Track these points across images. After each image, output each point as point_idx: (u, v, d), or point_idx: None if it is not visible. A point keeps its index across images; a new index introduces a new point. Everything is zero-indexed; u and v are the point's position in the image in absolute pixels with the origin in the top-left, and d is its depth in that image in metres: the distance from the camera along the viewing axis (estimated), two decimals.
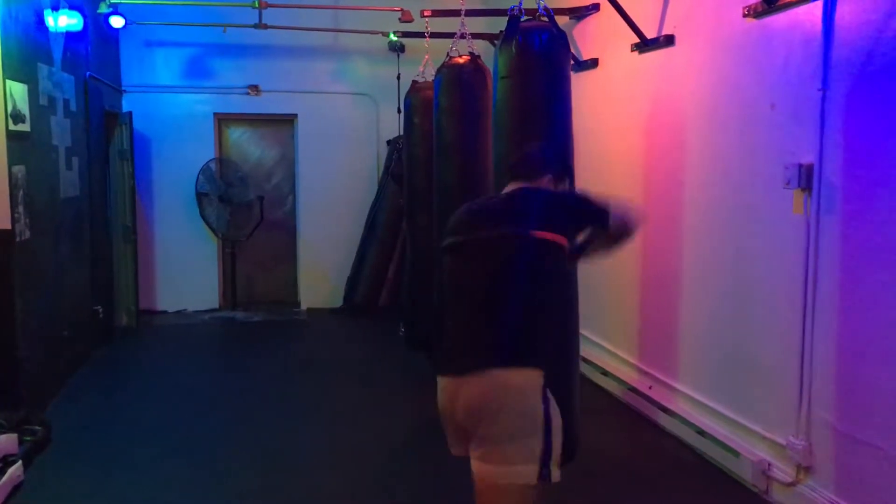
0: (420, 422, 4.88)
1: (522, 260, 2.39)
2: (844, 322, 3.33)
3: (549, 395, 2.31)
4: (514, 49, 3.32)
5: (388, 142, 8.14)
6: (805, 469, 3.56)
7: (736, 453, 3.98)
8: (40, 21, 5.22)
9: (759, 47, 3.89)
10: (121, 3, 6.90)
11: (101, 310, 6.53)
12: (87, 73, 6.36)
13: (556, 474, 2.32)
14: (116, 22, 6.82)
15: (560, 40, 3.41)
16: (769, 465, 3.78)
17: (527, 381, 2.29)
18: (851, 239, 3.28)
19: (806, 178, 3.49)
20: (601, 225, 2.51)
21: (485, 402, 2.28)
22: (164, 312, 8.08)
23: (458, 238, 2.53)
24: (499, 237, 2.43)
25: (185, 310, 8.15)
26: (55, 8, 5.48)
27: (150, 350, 6.79)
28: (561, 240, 2.41)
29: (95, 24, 6.68)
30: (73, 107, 5.88)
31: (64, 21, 5.62)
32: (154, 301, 8.03)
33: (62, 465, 4.17)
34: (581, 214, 2.53)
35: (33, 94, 4.93)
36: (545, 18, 3.43)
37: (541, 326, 2.39)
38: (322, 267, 8.41)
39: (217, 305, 8.28)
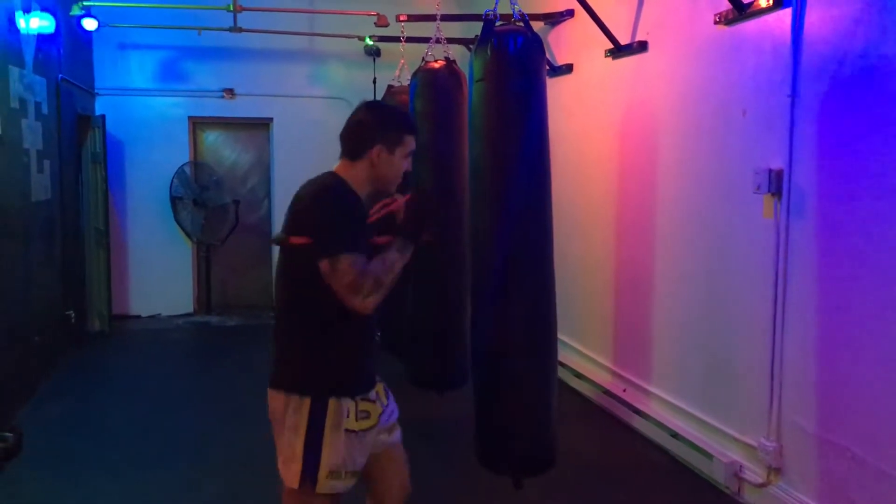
0: None
1: (282, 270, 2.32)
2: (814, 325, 3.38)
3: (326, 413, 2.25)
4: (489, 52, 3.33)
5: None
6: (776, 470, 3.61)
7: (709, 455, 4.01)
8: (11, 23, 5.16)
9: (730, 54, 3.94)
10: (94, 6, 6.85)
11: (73, 314, 6.46)
12: (60, 75, 6.29)
13: (327, 485, 2.27)
14: (89, 24, 6.75)
15: (535, 44, 3.43)
16: (741, 466, 3.83)
17: (285, 405, 2.30)
18: (820, 243, 3.33)
19: (776, 184, 3.54)
20: (316, 242, 2.19)
21: (270, 414, 2.37)
22: (138, 317, 8.00)
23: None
24: (278, 243, 2.31)
25: (158, 314, 8.08)
26: (27, 10, 5.43)
27: (122, 355, 6.73)
28: (308, 243, 2.19)
29: (68, 26, 6.62)
30: (44, 110, 5.82)
31: (35, 23, 5.56)
32: (127, 306, 7.95)
33: (33, 472, 4.11)
34: (304, 216, 2.26)
35: (4, 97, 4.87)
36: (520, 23, 3.45)
37: (311, 351, 2.29)
38: None
39: (191, 310, 8.22)
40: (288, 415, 2.29)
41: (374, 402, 2.39)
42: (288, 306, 2.34)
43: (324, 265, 2.15)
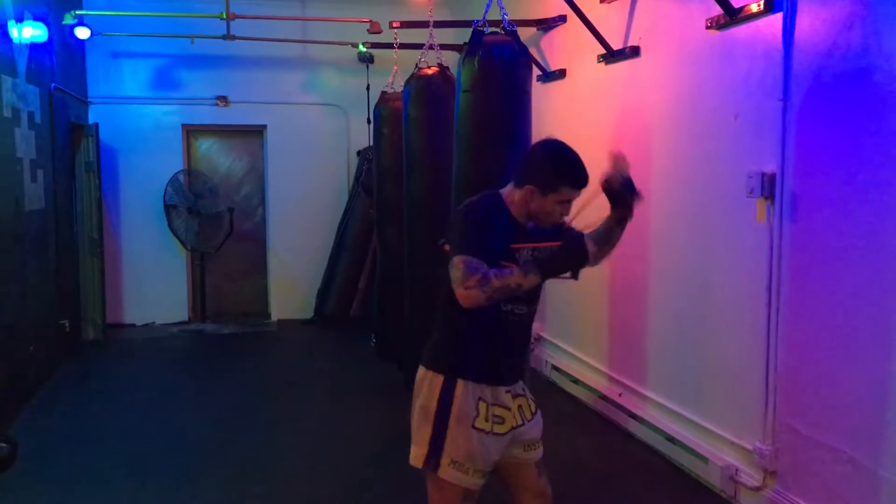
0: (392, 432, 4.87)
1: (441, 270, 2.46)
2: (807, 328, 3.39)
3: (456, 394, 2.40)
4: (476, 64, 3.35)
5: (359, 152, 8.14)
6: (771, 473, 3.61)
7: (705, 459, 4.02)
8: (4, 32, 5.16)
9: (722, 58, 3.96)
10: (86, 15, 6.86)
11: (67, 324, 6.45)
12: (53, 84, 6.29)
13: (449, 472, 2.37)
14: (82, 33, 6.76)
15: (522, 56, 3.45)
16: (737, 470, 3.83)
17: (423, 380, 2.48)
18: (814, 246, 3.34)
19: (769, 187, 3.55)
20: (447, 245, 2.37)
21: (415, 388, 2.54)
22: (132, 326, 7.99)
23: None
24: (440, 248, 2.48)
25: (153, 323, 8.07)
26: (19, 19, 5.42)
27: (117, 364, 6.71)
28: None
29: (61, 35, 6.62)
30: (37, 119, 5.81)
31: (28, 32, 5.56)
32: (122, 314, 7.93)
33: (28, 483, 4.09)
34: (449, 231, 2.41)
35: None
36: (508, 33, 3.47)
37: (449, 333, 2.49)
38: (293, 278, 8.37)
39: (186, 318, 8.21)
40: (424, 390, 2.46)
41: (508, 409, 2.48)
42: (441, 299, 2.50)
43: (450, 269, 2.31)
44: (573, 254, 2.31)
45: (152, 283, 8.02)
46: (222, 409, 5.42)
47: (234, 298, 8.56)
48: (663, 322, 4.59)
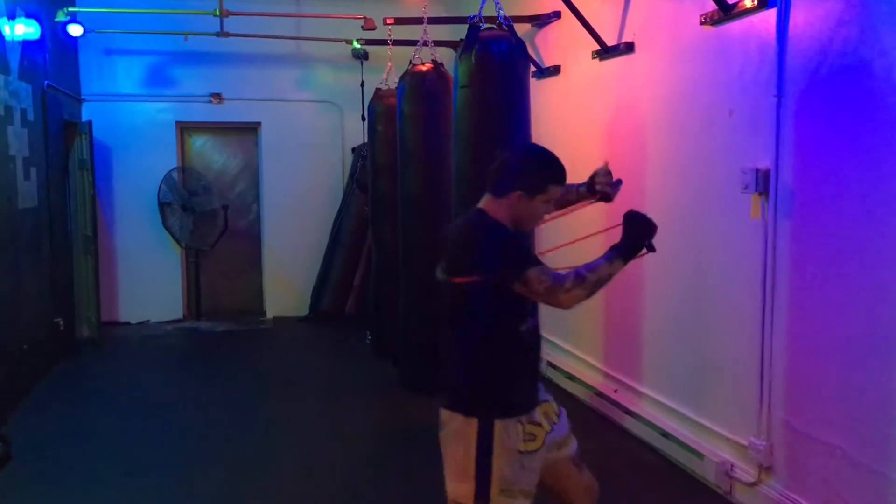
0: (388, 429, 4.88)
1: (449, 302, 2.44)
2: (802, 324, 3.39)
3: (493, 433, 2.35)
4: (473, 59, 3.35)
5: (353, 149, 8.12)
6: (766, 469, 3.62)
7: (700, 455, 4.03)
8: None
9: (716, 54, 3.95)
10: (79, 12, 6.83)
11: (61, 322, 6.43)
12: (46, 82, 6.26)
13: (500, 502, 2.36)
14: (75, 30, 6.74)
15: (519, 50, 3.45)
16: (732, 465, 3.84)
17: (459, 430, 2.40)
18: (808, 242, 3.35)
19: (763, 183, 3.55)
20: (496, 275, 2.31)
21: (441, 428, 2.48)
22: (127, 324, 7.97)
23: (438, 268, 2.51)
24: (442, 282, 2.44)
25: (147, 321, 8.05)
26: (11, 16, 5.40)
27: (112, 362, 6.69)
28: (473, 280, 2.33)
29: (53, 32, 6.59)
30: (30, 116, 5.78)
31: (20, 29, 5.53)
32: (116, 312, 7.91)
33: (23, 483, 4.09)
34: (464, 256, 2.38)
35: None
36: (505, 28, 3.46)
37: (476, 373, 2.42)
38: (288, 275, 8.36)
39: (181, 316, 8.19)
40: (458, 433, 2.40)
41: (539, 424, 2.47)
42: (456, 334, 2.46)
43: (517, 288, 2.30)
44: (642, 228, 2.40)
45: (147, 280, 7.99)
46: (218, 407, 5.41)
47: (229, 296, 8.54)
48: (658, 318, 4.59)
